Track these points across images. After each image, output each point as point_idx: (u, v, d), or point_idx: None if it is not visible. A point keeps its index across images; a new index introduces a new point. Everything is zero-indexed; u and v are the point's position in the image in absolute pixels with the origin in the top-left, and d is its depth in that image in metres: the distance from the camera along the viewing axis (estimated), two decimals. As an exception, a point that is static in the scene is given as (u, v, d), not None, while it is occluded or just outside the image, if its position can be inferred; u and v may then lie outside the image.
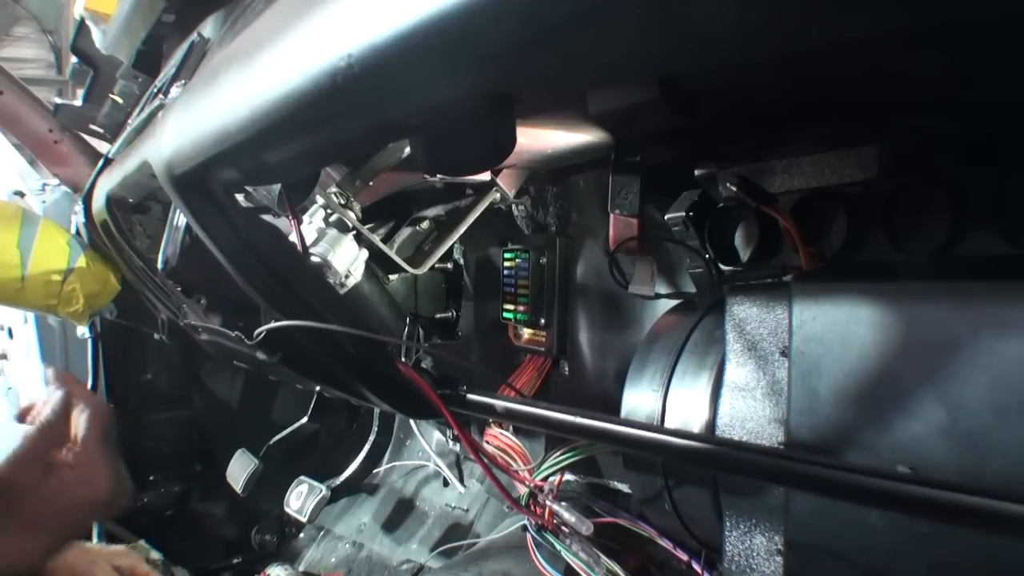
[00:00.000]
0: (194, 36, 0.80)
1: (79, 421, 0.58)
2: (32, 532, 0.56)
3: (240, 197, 0.72)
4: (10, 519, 0.54)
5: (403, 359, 0.67)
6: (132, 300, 1.27)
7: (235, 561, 1.64)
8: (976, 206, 0.54)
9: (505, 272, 1.12)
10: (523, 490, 0.94)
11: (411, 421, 1.64)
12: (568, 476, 1.02)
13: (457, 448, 1.47)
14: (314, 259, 0.90)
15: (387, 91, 0.33)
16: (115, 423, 0.61)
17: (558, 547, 0.86)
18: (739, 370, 0.58)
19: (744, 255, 0.69)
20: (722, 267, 0.72)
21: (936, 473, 0.42)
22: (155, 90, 0.80)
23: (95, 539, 1.25)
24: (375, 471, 1.71)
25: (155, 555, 1.28)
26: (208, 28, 0.81)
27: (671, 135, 0.75)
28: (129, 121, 0.89)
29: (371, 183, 0.93)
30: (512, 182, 1.06)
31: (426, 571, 1.35)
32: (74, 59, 1.30)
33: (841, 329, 0.48)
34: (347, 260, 0.93)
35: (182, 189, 0.51)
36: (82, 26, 1.19)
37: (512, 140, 0.48)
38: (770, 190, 0.66)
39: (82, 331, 1.35)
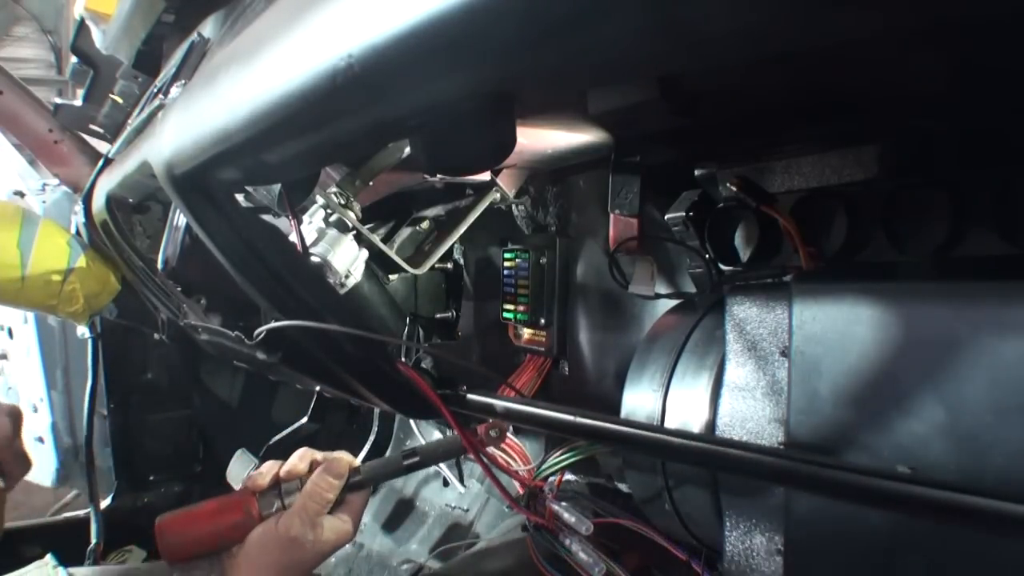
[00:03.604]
0: (194, 36, 0.80)
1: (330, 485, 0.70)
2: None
3: (240, 197, 0.72)
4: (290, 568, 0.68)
5: (403, 359, 0.67)
6: (132, 300, 1.27)
7: (235, 561, 1.64)
8: (976, 206, 0.54)
9: (505, 272, 1.12)
10: (523, 490, 0.94)
11: (411, 421, 1.64)
12: (568, 476, 1.02)
13: (457, 448, 1.47)
14: (314, 259, 0.90)
15: (387, 91, 0.33)
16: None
17: (558, 547, 0.86)
18: (739, 370, 0.58)
19: (744, 255, 0.69)
20: (722, 267, 0.72)
21: (936, 473, 0.42)
22: (155, 90, 0.80)
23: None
24: (375, 471, 1.71)
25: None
26: (208, 28, 0.81)
27: (671, 135, 0.75)
28: (129, 121, 0.89)
29: (371, 183, 0.93)
30: (512, 182, 1.06)
31: (426, 571, 1.35)
32: (74, 59, 1.30)
33: (841, 329, 0.48)
34: (347, 260, 0.93)
35: (182, 189, 0.51)
36: (82, 26, 1.20)
37: (512, 140, 0.48)
38: (770, 190, 0.66)
39: (82, 331, 1.35)
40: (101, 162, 0.99)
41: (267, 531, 0.69)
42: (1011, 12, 0.25)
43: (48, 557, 0.66)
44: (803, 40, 0.28)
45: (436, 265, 1.09)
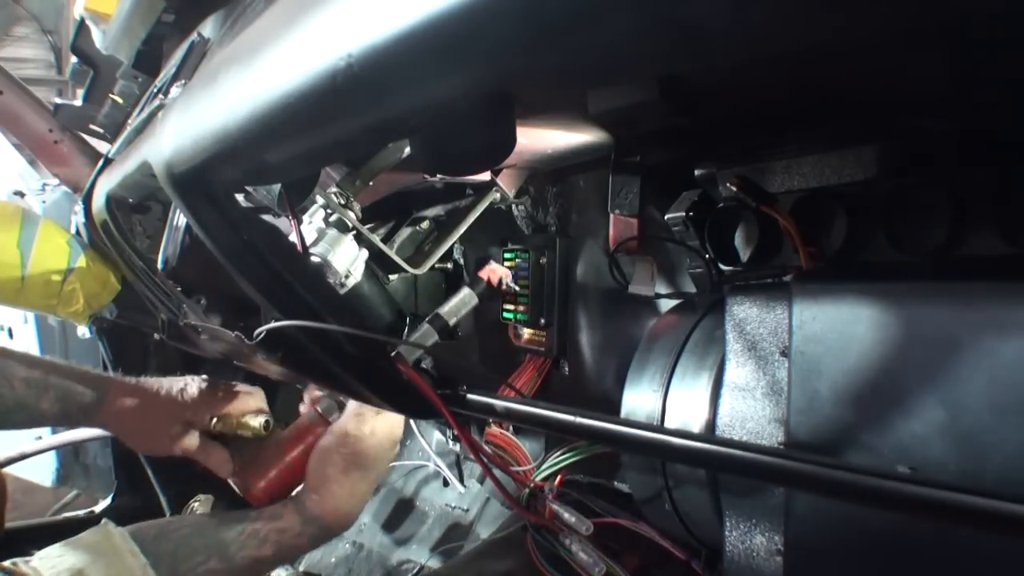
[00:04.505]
0: (194, 36, 0.80)
1: None
2: (370, 475, 0.77)
3: (240, 197, 0.72)
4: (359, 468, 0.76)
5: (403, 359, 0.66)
6: (132, 300, 1.27)
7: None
8: (976, 206, 0.54)
9: (505, 272, 1.12)
10: (523, 490, 0.94)
11: (411, 421, 1.64)
12: (568, 476, 1.02)
13: (457, 448, 1.47)
14: (314, 259, 0.90)
15: (387, 91, 0.33)
16: None
17: (558, 547, 0.86)
18: (739, 370, 0.58)
19: (744, 255, 0.69)
20: (722, 267, 0.72)
21: (936, 473, 0.42)
22: (155, 90, 0.80)
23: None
24: (375, 471, 1.71)
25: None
26: (208, 28, 0.81)
27: (671, 135, 0.75)
28: (129, 121, 0.89)
29: (371, 183, 0.93)
30: (512, 182, 1.06)
31: (426, 571, 1.35)
32: (74, 59, 1.30)
33: (841, 329, 0.48)
34: (347, 260, 0.93)
35: (182, 189, 0.51)
36: (82, 26, 1.20)
37: (512, 140, 0.48)
38: (770, 190, 0.66)
39: (82, 331, 1.35)
40: (101, 162, 0.99)
41: (326, 435, 0.78)
42: (1011, 11, 0.25)
43: (105, 520, 0.67)
44: (803, 40, 0.28)
45: (436, 265, 1.09)
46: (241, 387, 0.93)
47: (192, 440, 0.88)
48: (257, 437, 0.88)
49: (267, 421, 0.90)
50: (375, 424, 0.78)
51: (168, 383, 0.92)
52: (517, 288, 1.08)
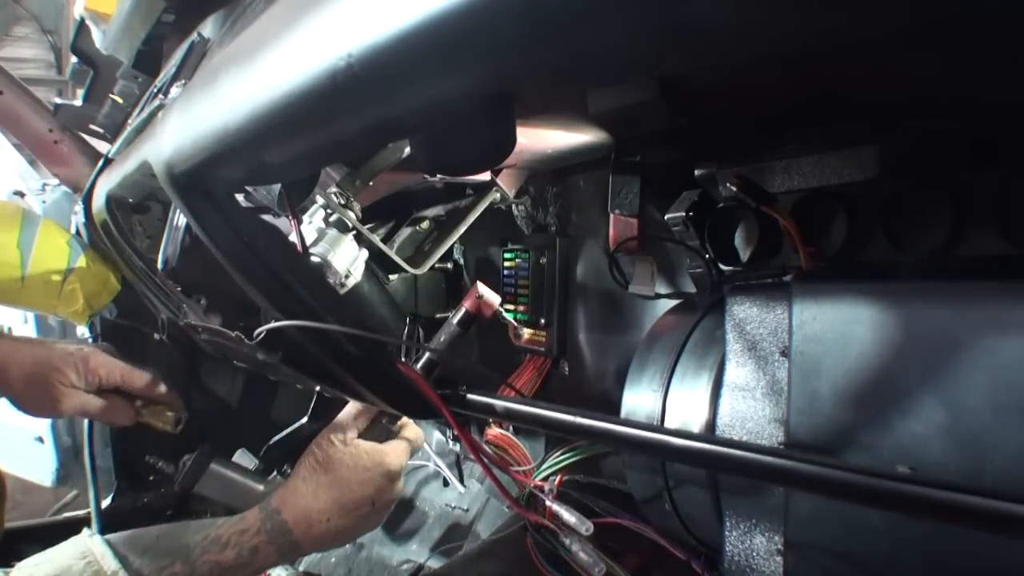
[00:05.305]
0: (194, 36, 0.80)
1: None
2: (341, 489, 0.75)
3: (240, 197, 0.72)
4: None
5: (403, 359, 0.66)
6: (132, 300, 1.27)
7: (236, 561, 1.64)
8: (976, 206, 0.54)
9: (505, 272, 1.12)
10: (523, 490, 0.94)
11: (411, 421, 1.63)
12: (568, 476, 1.02)
13: (457, 448, 1.47)
14: (314, 259, 0.90)
15: (387, 91, 0.33)
16: None
17: (558, 547, 0.86)
18: (739, 370, 0.58)
19: (744, 255, 0.69)
20: (722, 267, 0.72)
21: (936, 473, 0.42)
22: (155, 90, 0.80)
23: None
24: (375, 471, 1.70)
25: None
26: (208, 28, 0.81)
27: (671, 135, 0.75)
28: (129, 121, 0.89)
29: (371, 183, 0.93)
30: (512, 182, 1.06)
31: (426, 571, 1.35)
32: (74, 59, 1.30)
33: (841, 329, 0.48)
34: (347, 260, 0.93)
35: (182, 189, 0.51)
36: (82, 26, 1.20)
37: (512, 140, 0.48)
38: (770, 190, 0.66)
39: (82, 331, 1.35)
40: (101, 162, 0.99)
41: None
42: (1011, 11, 0.25)
43: (85, 529, 0.67)
44: (804, 40, 0.28)
45: (436, 265, 1.09)
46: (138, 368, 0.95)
47: (78, 400, 0.89)
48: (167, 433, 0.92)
49: (178, 418, 0.94)
50: (355, 437, 0.79)
51: (62, 347, 0.92)
52: (508, 317, 1.08)
